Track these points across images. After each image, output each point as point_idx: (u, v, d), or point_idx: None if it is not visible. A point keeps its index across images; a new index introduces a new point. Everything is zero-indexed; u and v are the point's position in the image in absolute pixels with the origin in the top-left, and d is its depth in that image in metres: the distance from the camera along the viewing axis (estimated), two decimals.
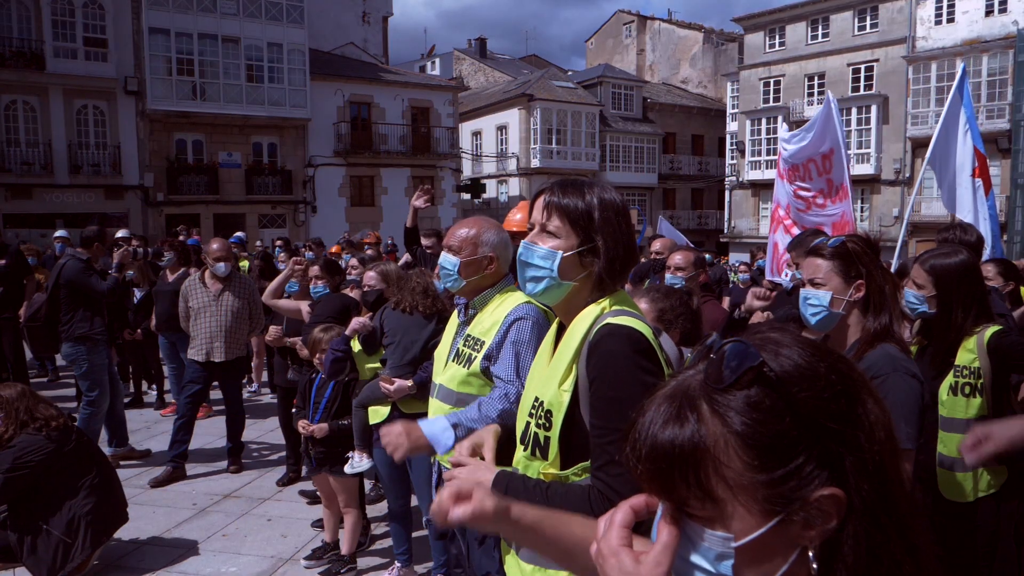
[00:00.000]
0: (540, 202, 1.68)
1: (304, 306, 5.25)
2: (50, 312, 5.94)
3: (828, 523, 0.72)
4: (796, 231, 5.89)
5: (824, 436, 0.72)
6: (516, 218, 4.56)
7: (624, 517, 0.79)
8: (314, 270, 5.35)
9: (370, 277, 4.24)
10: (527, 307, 2.49)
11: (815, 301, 2.18)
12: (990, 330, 2.70)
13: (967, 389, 2.73)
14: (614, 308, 1.59)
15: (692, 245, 6.95)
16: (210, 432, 7.01)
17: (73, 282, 5.80)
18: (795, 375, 0.73)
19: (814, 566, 0.73)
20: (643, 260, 5.48)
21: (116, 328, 7.91)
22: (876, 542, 0.73)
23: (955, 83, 6.12)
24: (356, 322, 4.00)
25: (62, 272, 5.88)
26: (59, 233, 10.84)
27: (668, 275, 4.21)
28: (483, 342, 2.47)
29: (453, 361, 2.66)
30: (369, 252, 8.00)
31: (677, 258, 4.23)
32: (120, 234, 12.03)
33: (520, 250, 1.68)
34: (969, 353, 2.72)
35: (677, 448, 0.73)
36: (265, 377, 8.71)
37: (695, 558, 0.75)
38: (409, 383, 3.61)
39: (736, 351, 0.75)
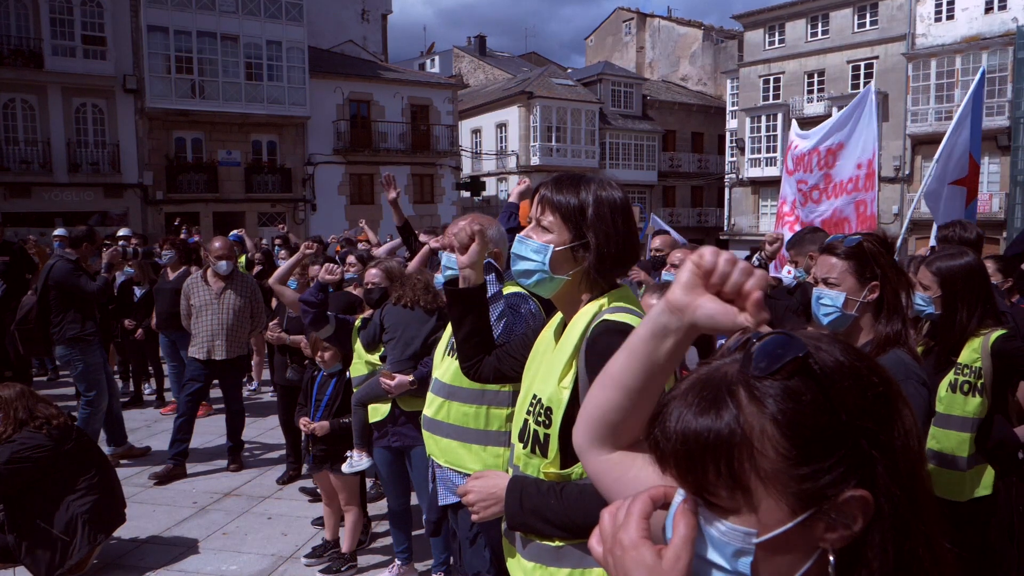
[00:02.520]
0: (536, 197, 1.70)
1: None
2: (40, 313, 5.91)
3: (852, 526, 0.71)
4: (799, 228, 5.83)
5: (862, 436, 0.71)
6: None
7: (643, 507, 0.76)
8: (315, 269, 5.33)
9: (372, 275, 4.22)
10: (516, 294, 2.52)
11: (828, 301, 2.15)
12: (996, 333, 2.70)
13: (966, 387, 2.73)
14: (613, 305, 1.59)
15: (682, 239, 6.91)
16: (210, 431, 7.01)
17: (62, 283, 5.77)
18: (838, 372, 0.72)
19: (832, 571, 0.72)
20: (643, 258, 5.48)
21: (115, 325, 7.93)
22: (904, 549, 0.72)
23: (971, 91, 5.82)
24: (327, 268, 4.01)
25: (51, 273, 5.85)
26: (58, 232, 10.83)
27: (664, 272, 4.23)
28: None
29: (449, 355, 2.68)
30: (370, 249, 7.98)
31: (676, 255, 4.26)
32: (122, 232, 12.04)
33: (514, 243, 1.71)
34: (973, 353, 2.72)
35: (713, 433, 0.71)
36: (266, 375, 8.71)
37: (712, 555, 0.73)
38: (410, 378, 3.60)
39: (780, 341, 0.73)
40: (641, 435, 1.04)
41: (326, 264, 4.14)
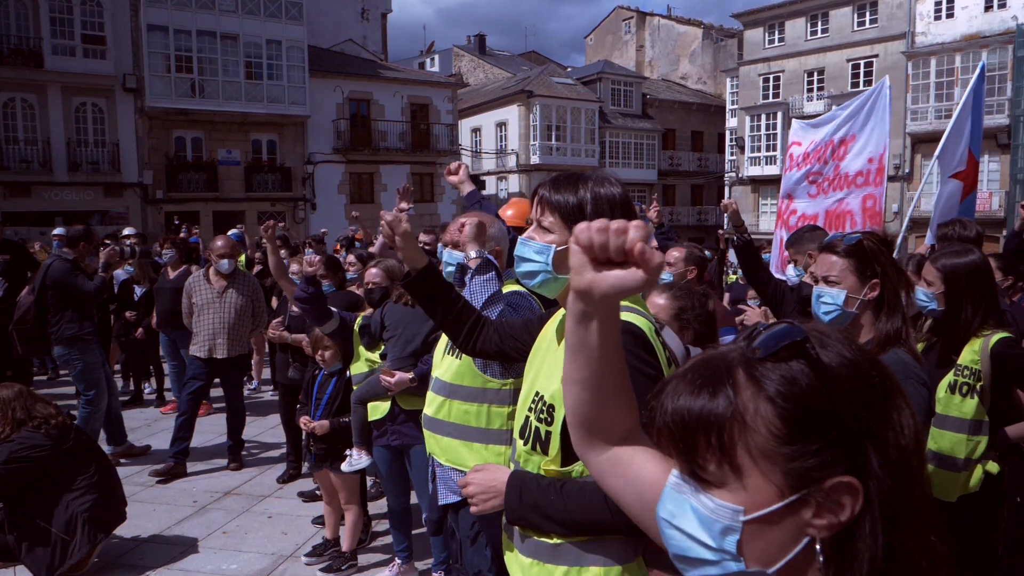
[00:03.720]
0: (536, 198, 1.72)
1: None
2: (38, 313, 5.88)
3: (840, 514, 0.72)
4: (793, 219, 5.77)
5: (854, 425, 0.72)
6: (507, 214, 4.56)
7: None
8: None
9: (373, 274, 4.21)
10: (515, 293, 2.53)
11: (828, 299, 2.15)
12: (997, 336, 2.69)
13: (964, 389, 2.73)
14: None
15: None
16: (210, 430, 7.01)
17: (59, 283, 5.75)
18: (837, 361, 0.74)
19: (820, 559, 0.73)
20: None
21: (118, 324, 7.92)
22: (894, 539, 0.73)
23: (971, 86, 5.73)
24: (305, 260, 4.03)
25: (48, 273, 5.83)
26: (57, 231, 10.82)
27: (663, 272, 4.22)
28: None
29: (449, 353, 2.68)
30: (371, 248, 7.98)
31: (672, 254, 4.26)
32: (126, 231, 12.04)
33: (516, 246, 1.71)
34: (973, 354, 2.71)
35: (707, 407, 0.74)
36: (266, 374, 8.71)
37: (699, 532, 0.74)
38: (410, 375, 3.60)
39: (782, 328, 0.76)
40: (630, 424, 1.05)
41: (304, 257, 4.15)
